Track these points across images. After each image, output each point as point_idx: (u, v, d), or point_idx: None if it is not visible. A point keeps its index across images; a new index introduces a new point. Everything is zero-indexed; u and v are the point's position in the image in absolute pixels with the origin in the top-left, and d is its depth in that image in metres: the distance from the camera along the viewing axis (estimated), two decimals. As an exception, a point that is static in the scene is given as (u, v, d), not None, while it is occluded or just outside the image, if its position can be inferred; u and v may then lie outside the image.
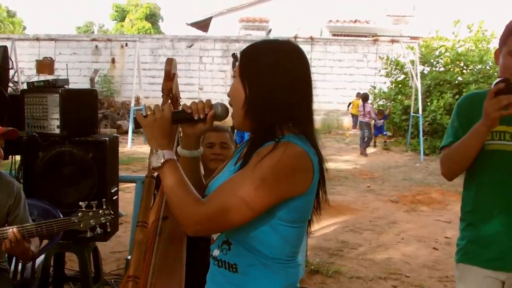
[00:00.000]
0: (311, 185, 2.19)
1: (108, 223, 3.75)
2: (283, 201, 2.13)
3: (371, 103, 21.08)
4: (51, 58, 23.22)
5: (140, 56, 21.68)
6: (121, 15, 55.01)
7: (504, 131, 3.08)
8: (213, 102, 2.39)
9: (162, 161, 2.20)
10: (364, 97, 19.62)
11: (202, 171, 3.13)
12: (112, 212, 3.80)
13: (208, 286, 2.43)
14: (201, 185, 2.49)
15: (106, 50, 28.91)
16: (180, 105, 3.54)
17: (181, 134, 2.55)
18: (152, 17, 54.85)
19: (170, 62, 3.36)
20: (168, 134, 2.29)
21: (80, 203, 3.68)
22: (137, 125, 2.34)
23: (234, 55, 9.01)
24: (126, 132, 20.02)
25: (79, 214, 3.67)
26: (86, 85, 24.12)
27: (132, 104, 19.80)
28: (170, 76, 3.33)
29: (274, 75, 2.19)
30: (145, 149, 18.44)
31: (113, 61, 29.01)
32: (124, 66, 28.74)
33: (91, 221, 3.68)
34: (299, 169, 2.14)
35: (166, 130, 2.28)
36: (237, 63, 2.33)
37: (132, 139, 19.28)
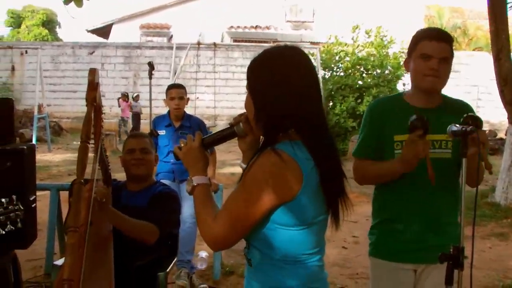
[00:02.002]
0: (301, 190, 2.26)
1: (18, 220, 3.74)
2: (274, 207, 2.26)
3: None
4: None
5: (41, 64, 21.33)
6: (16, 22, 53.58)
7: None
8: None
9: (191, 187, 2.47)
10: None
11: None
12: (22, 208, 3.80)
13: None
14: None
15: (5, 58, 28.28)
16: (103, 113, 3.64)
17: None
18: (49, 23, 53.72)
19: (93, 72, 3.43)
20: (200, 160, 2.54)
21: (-10, 201, 3.69)
22: (177, 158, 2.62)
23: (150, 64, 9.00)
24: (29, 141, 19.63)
25: None
26: (-14, 94, 23.57)
27: (36, 112, 19.52)
28: (93, 86, 3.40)
29: (275, 86, 2.33)
30: (49, 157, 18.17)
31: (12, 68, 28.41)
32: (24, 74, 28.17)
33: (1, 217, 3.67)
34: (280, 176, 2.24)
35: (198, 157, 2.54)
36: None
37: (36, 148, 18.79)
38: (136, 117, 24.99)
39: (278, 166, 2.23)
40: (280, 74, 2.33)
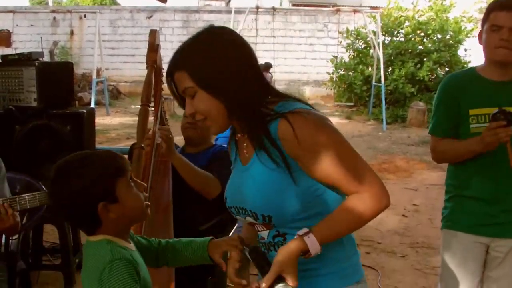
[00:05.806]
0: None
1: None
2: None
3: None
4: (8, 30, 22.77)
5: (100, 28, 21.43)
6: (75, -14, 54.23)
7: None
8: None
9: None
10: (266, 67, 19.21)
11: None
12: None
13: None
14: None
15: (64, 22, 28.44)
16: (163, 76, 3.53)
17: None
18: (108, -13, 54.23)
19: (154, 34, 3.37)
20: (289, 262, 2.04)
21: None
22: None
23: None
24: (87, 104, 19.79)
25: None
26: (45, 58, 23.76)
27: (94, 76, 19.60)
28: (154, 47, 3.34)
29: (232, 68, 2.17)
30: (108, 121, 18.34)
31: (71, 33, 28.63)
32: (83, 38, 28.35)
33: None
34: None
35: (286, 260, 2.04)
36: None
37: (95, 111, 18.94)
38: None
39: (322, 117, 2.16)
40: (230, 50, 2.21)
